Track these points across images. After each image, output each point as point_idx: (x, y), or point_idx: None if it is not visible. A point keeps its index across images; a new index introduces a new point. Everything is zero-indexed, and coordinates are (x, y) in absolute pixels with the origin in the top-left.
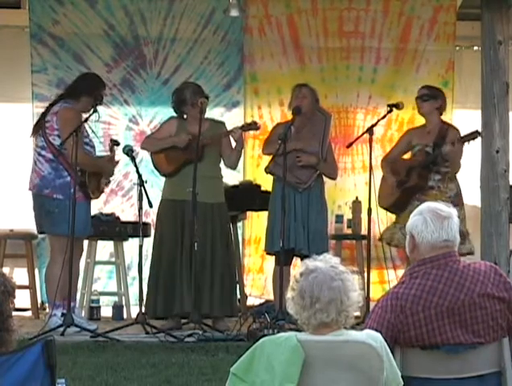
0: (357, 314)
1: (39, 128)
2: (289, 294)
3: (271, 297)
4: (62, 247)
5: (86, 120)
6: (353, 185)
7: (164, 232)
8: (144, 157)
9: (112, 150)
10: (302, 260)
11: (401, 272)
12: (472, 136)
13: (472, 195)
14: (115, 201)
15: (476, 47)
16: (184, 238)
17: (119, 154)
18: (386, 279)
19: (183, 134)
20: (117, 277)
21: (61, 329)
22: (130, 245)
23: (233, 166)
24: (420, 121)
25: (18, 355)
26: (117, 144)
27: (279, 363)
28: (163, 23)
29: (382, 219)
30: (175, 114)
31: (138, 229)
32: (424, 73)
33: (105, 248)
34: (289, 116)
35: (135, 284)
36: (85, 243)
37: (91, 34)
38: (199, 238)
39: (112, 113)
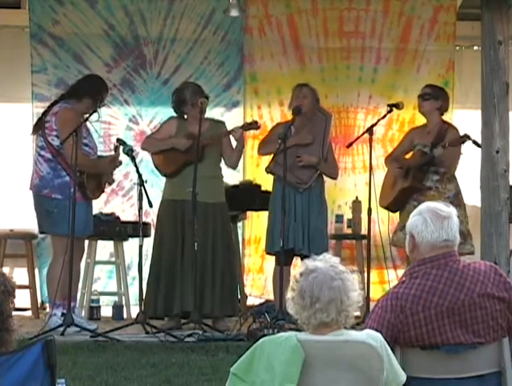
0: (357, 313)
1: (39, 128)
2: (289, 294)
3: (271, 297)
4: (63, 247)
5: (86, 120)
6: (353, 185)
7: (164, 232)
8: (144, 157)
9: (116, 150)
10: (302, 260)
11: (401, 272)
12: (462, 140)
13: (472, 194)
14: (115, 201)
15: (476, 47)
16: (185, 238)
17: (120, 154)
18: (386, 279)
19: (184, 138)
20: (117, 277)
21: (61, 329)
22: (130, 245)
23: (234, 166)
24: (421, 120)
25: (18, 355)
26: (124, 144)
27: (279, 362)
28: (163, 23)
29: (382, 219)
30: (175, 114)
31: (138, 229)
32: (424, 73)
33: (105, 248)
34: (289, 116)
35: (135, 284)
36: (85, 243)
37: (91, 34)
38: (199, 238)
39: (112, 113)
